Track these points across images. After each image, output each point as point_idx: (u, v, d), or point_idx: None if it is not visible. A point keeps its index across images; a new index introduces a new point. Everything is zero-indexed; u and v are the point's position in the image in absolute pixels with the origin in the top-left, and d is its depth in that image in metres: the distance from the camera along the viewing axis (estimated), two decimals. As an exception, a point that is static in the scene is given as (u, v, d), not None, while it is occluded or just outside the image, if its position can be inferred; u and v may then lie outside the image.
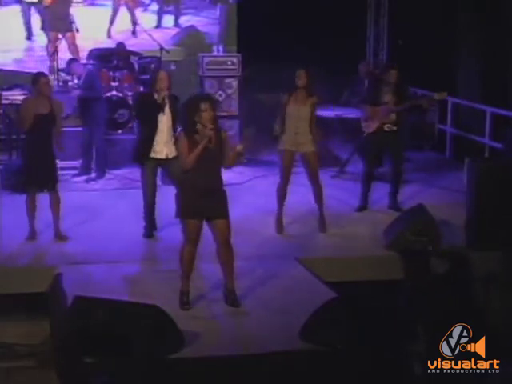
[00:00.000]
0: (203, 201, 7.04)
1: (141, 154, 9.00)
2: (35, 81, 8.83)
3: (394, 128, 9.99)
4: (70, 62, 12.48)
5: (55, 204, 8.92)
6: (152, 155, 8.89)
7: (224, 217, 7.17)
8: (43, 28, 14.28)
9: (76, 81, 12.29)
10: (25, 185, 9.01)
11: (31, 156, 8.86)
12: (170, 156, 8.79)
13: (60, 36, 13.93)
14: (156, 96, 8.86)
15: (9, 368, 7.14)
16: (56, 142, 9.02)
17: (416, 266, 6.60)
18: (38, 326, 7.45)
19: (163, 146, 8.87)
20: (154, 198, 9.07)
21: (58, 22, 13.84)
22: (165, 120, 8.85)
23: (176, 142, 7.80)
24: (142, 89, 13.23)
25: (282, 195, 9.31)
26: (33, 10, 14.56)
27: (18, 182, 10.00)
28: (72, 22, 13.68)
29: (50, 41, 14.00)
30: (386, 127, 9.99)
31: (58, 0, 13.91)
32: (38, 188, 8.91)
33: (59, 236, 8.93)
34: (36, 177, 8.85)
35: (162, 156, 8.89)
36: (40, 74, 9.01)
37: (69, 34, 13.92)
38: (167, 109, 8.85)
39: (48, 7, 13.98)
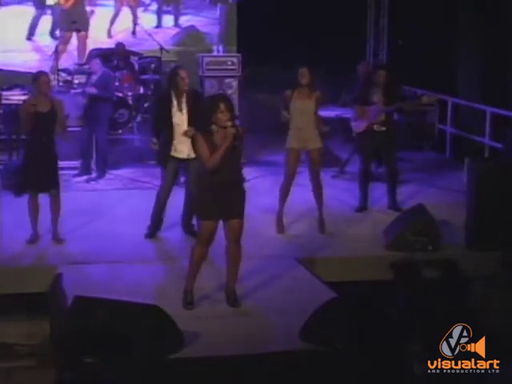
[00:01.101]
0: (223, 200, 7.01)
1: (162, 156, 8.92)
2: (35, 79, 8.82)
3: (383, 128, 10.00)
4: (91, 57, 12.45)
5: (56, 207, 8.84)
6: (174, 154, 8.79)
7: (240, 216, 7.15)
8: (54, 29, 14.29)
9: (76, 81, 12.33)
10: (25, 186, 8.91)
11: (32, 156, 8.78)
12: (192, 155, 8.57)
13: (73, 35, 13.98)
14: (174, 96, 8.74)
15: (9, 368, 7.13)
16: (65, 139, 9.08)
17: (408, 279, 6.59)
18: (38, 326, 7.45)
19: (184, 146, 8.75)
20: (167, 199, 8.99)
21: (75, 23, 13.83)
22: (184, 119, 8.73)
23: (193, 143, 7.71)
24: (141, 89, 13.25)
25: (284, 194, 9.30)
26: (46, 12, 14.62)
27: (18, 183, 9.97)
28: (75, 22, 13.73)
29: (62, 41, 13.98)
30: (375, 127, 10.01)
31: (76, 1, 13.92)
32: (39, 189, 8.81)
33: (57, 239, 8.87)
34: (37, 178, 8.75)
35: (184, 156, 8.78)
36: (40, 73, 9.00)
37: (82, 34, 13.93)
38: (185, 108, 8.75)
39: (66, 9, 13.97)
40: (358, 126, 10.18)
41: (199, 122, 8.02)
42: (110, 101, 11.73)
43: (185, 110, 8.75)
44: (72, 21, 13.74)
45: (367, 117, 10.02)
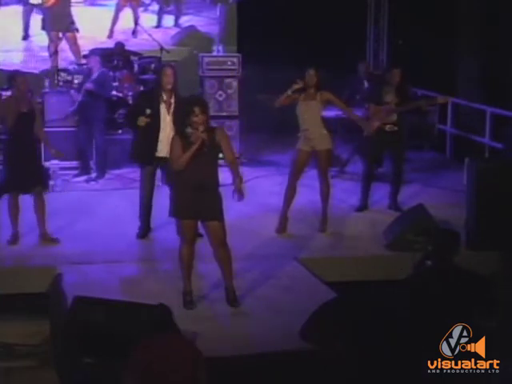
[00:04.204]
0: (196, 201, 7.03)
1: (142, 153, 8.93)
2: (13, 79, 8.76)
3: (396, 128, 10.00)
4: (91, 53, 12.45)
5: (40, 206, 8.74)
6: (156, 154, 8.76)
7: (217, 218, 7.15)
8: (44, 28, 14.31)
9: (76, 81, 12.32)
10: (6, 187, 8.72)
11: (14, 157, 8.65)
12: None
13: (61, 36, 13.99)
14: (163, 93, 8.76)
15: (9, 368, 7.14)
16: (46, 144, 9.03)
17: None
18: (38, 326, 7.46)
19: (165, 145, 8.75)
20: (151, 198, 9.02)
21: (59, 23, 13.88)
22: (168, 120, 8.72)
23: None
24: (142, 89, 13.24)
25: (289, 194, 9.26)
26: (34, 10, 14.59)
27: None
28: (72, 23, 13.72)
29: (51, 41, 14.04)
30: (388, 127, 10.00)
31: (59, 1, 13.95)
32: (21, 190, 8.69)
33: (46, 238, 8.79)
34: (19, 179, 8.62)
35: (163, 155, 8.73)
36: (16, 73, 8.99)
37: (70, 35, 13.96)
38: (172, 109, 8.73)
39: (49, 8, 14.02)
40: (371, 126, 10.17)
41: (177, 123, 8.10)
42: (106, 100, 11.72)
43: (171, 110, 8.73)
44: (71, 22, 13.75)
45: (380, 117, 10.02)
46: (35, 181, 8.73)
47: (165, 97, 8.75)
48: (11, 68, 13.37)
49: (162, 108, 8.75)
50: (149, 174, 8.99)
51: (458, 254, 6.21)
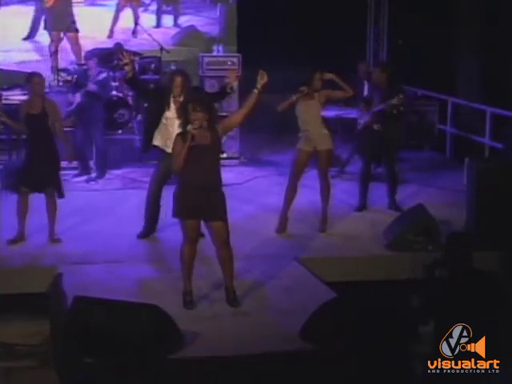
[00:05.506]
0: (200, 200, 7.02)
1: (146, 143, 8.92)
2: (29, 80, 8.82)
3: (381, 128, 9.99)
4: (90, 56, 12.45)
5: (52, 208, 8.80)
6: (168, 150, 8.69)
7: (221, 219, 7.14)
8: (46, 28, 14.33)
9: (74, 80, 12.33)
10: (17, 185, 8.82)
11: (29, 157, 8.77)
12: None
13: (62, 35, 14.00)
14: (171, 100, 8.67)
15: (9, 368, 7.14)
16: (63, 142, 8.96)
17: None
18: (38, 326, 7.46)
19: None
20: (160, 195, 8.93)
21: (60, 22, 13.90)
22: (175, 116, 8.54)
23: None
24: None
25: (289, 194, 9.25)
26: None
27: (14, 181, 9.95)
28: (73, 22, 13.74)
29: (52, 40, 14.05)
30: (375, 127, 10.03)
31: (59, 0, 13.97)
32: (33, 189, 8.74)
33: (53, 239, 8.83)
34: (31, 177, 8.70)
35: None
36: (34, 74, 9.00)
37: (71, 34, 13.97)
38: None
39: (50, 8, 14.03)
40: (360, 122, 10.26)
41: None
42: (106, 100, 11.72)
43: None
44: (72, 21, 13.77)
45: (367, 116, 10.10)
46: (46, 181, 8.76)
47: (174, 106, 8.61)
48: (11, 68, 13.41)
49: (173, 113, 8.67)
50: (161, 169, 8.81)
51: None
